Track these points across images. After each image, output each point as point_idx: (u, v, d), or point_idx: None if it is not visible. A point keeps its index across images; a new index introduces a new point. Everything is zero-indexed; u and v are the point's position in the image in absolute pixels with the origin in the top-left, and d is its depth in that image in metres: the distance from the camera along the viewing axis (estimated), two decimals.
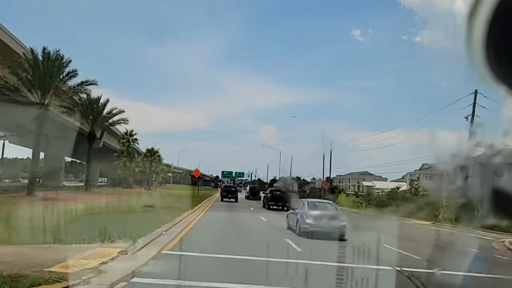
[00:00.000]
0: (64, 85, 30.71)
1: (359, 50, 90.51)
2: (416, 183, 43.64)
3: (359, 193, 57.50)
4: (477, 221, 20.58)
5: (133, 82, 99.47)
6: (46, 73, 28.32)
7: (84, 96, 35.36)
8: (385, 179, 69.92)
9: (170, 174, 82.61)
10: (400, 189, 43.83)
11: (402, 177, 65.98)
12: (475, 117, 29.80)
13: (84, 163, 59.86)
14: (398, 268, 8.78)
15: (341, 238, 12.90)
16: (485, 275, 9.18)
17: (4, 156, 60.64)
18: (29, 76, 27.86)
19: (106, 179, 69.07)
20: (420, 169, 56.16)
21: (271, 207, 32.04)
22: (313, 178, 76.31)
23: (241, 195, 49.10)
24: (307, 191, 64.92)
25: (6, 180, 53.99)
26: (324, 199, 25.66)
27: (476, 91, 29.31)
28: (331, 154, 50.50)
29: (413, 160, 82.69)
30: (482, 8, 0.95)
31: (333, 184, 67.34)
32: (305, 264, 8.58)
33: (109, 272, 7.13)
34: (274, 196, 33.01)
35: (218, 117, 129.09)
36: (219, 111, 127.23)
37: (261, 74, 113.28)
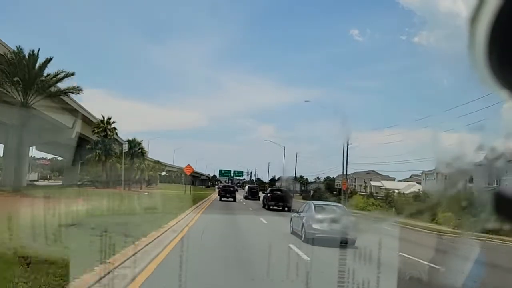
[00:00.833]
0: None
1: (358, 50, 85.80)
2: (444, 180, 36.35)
3: (375, 195, 51.42)
4: None
5: (130, 80, 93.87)
6: None
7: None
8: (393, 179, 66.44)
9: (164, 173, 75.60)
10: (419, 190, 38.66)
11: (410, 177, 64.16)
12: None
13: (60, 158, 53.03)
14: None
15: (351, 245, 11.20)
16: None
17: None
18: None
19: (88, 177, 61.98)
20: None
21: (271, 207, 30.90)
22: (317, 178, 77.16)
23: (239, 196, 46.36)
24: (312, 192, 60.39)
25: None
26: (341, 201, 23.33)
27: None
28: (346, 152, 39.64)
29: (420, 159, 77.26)
30: (485, 12, 0.94)
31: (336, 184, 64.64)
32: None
33: None
34: (275, 196, 31.80)
35: (217, 116, 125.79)
36: (218, 110, 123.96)
37: (260, 73, 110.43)
